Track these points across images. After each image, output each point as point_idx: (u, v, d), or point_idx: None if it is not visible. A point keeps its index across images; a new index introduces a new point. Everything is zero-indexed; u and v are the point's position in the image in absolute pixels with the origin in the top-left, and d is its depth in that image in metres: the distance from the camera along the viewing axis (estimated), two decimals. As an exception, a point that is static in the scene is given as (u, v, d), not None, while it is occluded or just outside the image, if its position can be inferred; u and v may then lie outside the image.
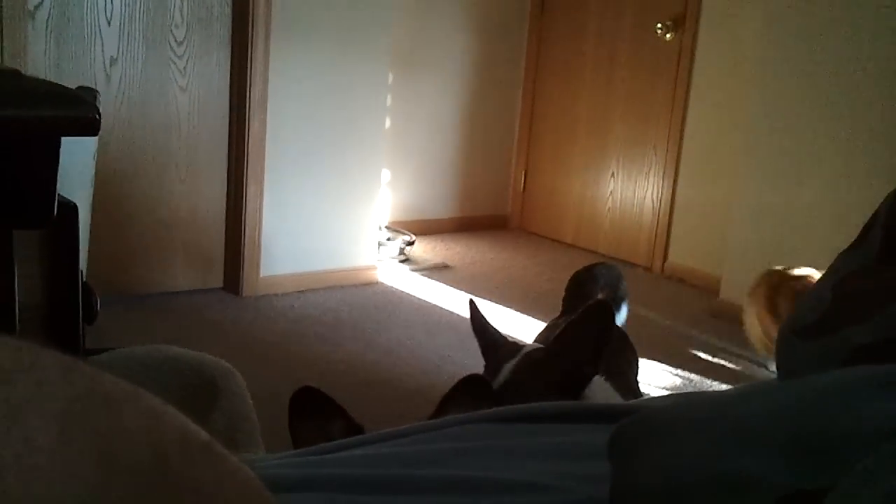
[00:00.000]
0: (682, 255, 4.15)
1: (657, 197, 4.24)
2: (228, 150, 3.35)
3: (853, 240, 0.61)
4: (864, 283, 0.54)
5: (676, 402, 0.63)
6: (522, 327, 3.32)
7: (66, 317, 0.87)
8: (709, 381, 2.97)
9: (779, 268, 2.92)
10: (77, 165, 1.39)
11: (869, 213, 0.61)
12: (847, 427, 0.34)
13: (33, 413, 0.25)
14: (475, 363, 2.91)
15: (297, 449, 0.88)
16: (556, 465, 0.55)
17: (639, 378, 1.90)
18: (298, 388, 0.96)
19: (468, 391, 0.98)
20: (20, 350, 0.27)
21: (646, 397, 2.05)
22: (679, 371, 3.03)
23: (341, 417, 0.95)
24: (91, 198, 1.56)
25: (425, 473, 0.55)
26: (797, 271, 2.84)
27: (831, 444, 0.34)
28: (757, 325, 2.88)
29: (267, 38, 3.24)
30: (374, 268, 3.76)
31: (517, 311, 3.54)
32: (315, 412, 0.95)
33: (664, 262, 4.21)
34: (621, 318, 1.97)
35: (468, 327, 3.47)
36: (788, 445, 0.35)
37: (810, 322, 0.55)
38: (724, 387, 2.92)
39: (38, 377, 0.26)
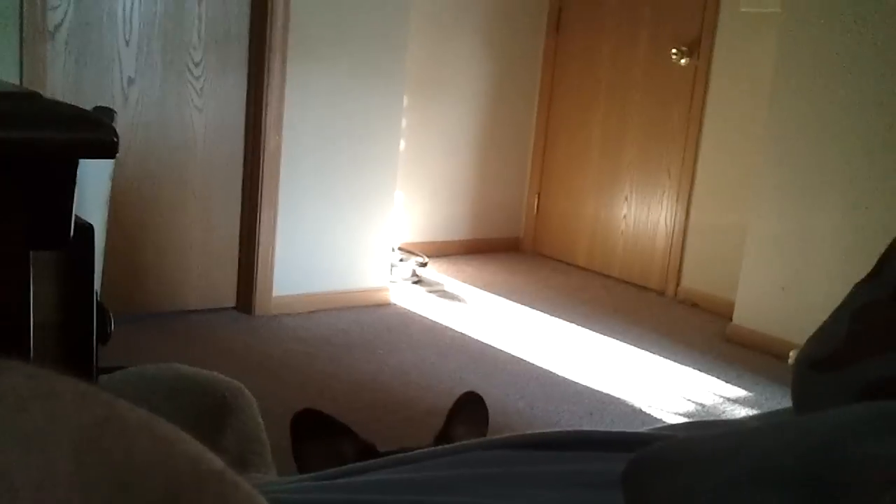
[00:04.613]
0: (695, 280, 4.14)
1: (671, 221, 4.23)
2: (243, 171, 3.37)
3: (869, 270, 0.61)
4: (880, 316, 0.54)
5: (692, 433, 0.63)
6: (532, 350, 3.31)
7: (80, 336, 0.88)
8: (722, 407, 2.95)
9: None
10: (94, 186, 1.41)
11: (883, 240, 0.61)
12: (855, 470, 0.34)
13: (50, 441, 0.25)
14: (487, 384, 2.91)
15: (302, 472, 0.88)
16: (571, 493, 0.54)
17: None
18: (298, 411, 0.94)
19: (467, 408, 1.00)
20: (37, 377, 0.27)
21: (661, 425, 2.03)
22: (692, 396, 3.01)
23: (349, 436, 0.93)
24: (107, 217, 1.57)
25: (437, 500, 0.55)
26: None
27: (840, 487, 0.34)
28: None
29: (283, 59, 3.26)
30: (386, 289, 3.76)
31: (528, 333, 3.53)
32: (320, 433, 0.94)
33: (677, 286, 4.20)
34: None
35: (480, 349, 3.48)
36: (799, 485, 0.35)
37: (825, 354, 0.55)
38: (738, 413, 2.90)
39: (54, 405, 0.27)
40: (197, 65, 3.20)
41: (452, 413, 1.00)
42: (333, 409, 0.96)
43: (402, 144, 3.85)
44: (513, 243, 4.96)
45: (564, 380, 3.05)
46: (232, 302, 3.46)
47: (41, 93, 0.85)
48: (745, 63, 3.89)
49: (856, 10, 3.20)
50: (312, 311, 3.50)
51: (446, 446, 0.66)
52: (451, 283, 4.21)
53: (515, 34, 4.71)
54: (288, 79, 3.30)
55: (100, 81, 3.04)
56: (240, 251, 3.43)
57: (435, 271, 4.33)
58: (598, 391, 2.98)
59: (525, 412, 2.75)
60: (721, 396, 3.04)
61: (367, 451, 0.90)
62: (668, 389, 3.06)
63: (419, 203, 4.57)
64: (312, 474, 0.65)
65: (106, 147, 0.76)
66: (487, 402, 1.03)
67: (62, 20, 2.92)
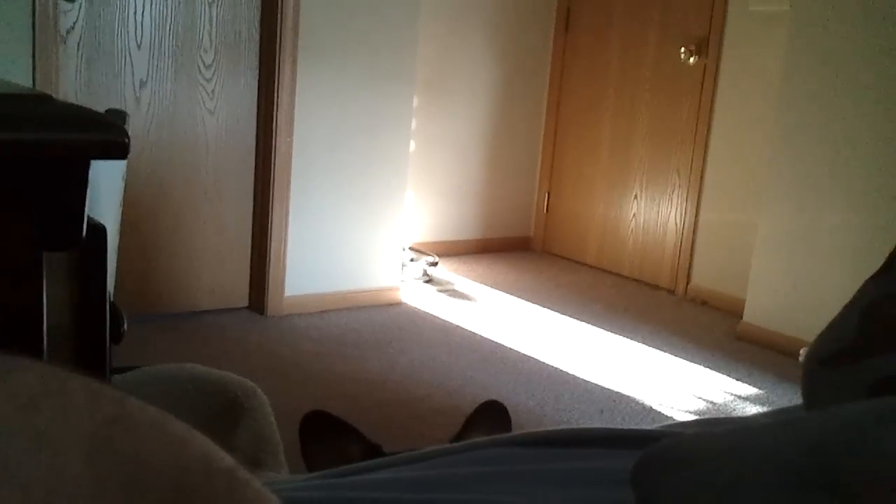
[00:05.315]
0: (705, 278, 4.13)
1: (680, 219, 4.22)
2: (255, 172, 3.38)
3: (880, 265, 0.61)
4: (891, 312, 0.53)
5: (702, 430, 0.63)
6: (543, 349, 3.31)
7: (93, 337, 0.88)
8: (733, 405, 2.94)
9: None
10: (106, 187, 1.41)
11: (894, 236, 0.61)
12: (869, 466, 0.34)
13: (60, 439, 0.25)
14: (497, 383, 2.91)
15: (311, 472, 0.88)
16: (581, 491, 0.54)
17: None
18: (307, 413, 0.95)
19: (488, 416, 0.99)
20: (47, 375, 0.28)
21: (671, 422, 2.03)
22: (703, 395, 3.01)
23: (357, 438, 0.94)
24: (119, 219, 1.58)
25: (448, 498, 0.55)
26: None
27: (853, 483, 0.34)
28: None
29: (294, 61, 3.27)
30: (397, 289, 3.76)
31: (538, 331, 3.53)
32: (328, 435, 0.94)
33: (687, 284, 4.19)
34: None
35: (491, 347, 3.49)
36: (811, 481, 0.35)
37: (835, 350, 0.55)
38: (749, 410, 2.89)
39: (65, 402, 0.27)
40: (208, 67, 3.21)
41: (472, 419, 1.00)
42: (344, 407, 0.96)
43: (412, 145, 3.85)
44: (523, 242, 4.95)
45: (575, 378, 3.05)
46: (244, 302, 3.47)
47: (53, 95, 0.85)
48: (754, 62, 3.88)
49: (865, 8, 3.18)
50: (324, 311, 3.51)
51: (454, 444, 0.66)
52: (462, 282, 4.21)
53: (524, 34, 4.70)
54: (298, 80, 3.30)
55: (112, 84, 3.05)
56: (252, 252, 3.44)
57: (445, 270, 4.33)
58: (608, 389, 2.97)
59: (535, 410, 2.75)
60: (731, 394, 3.03)
61: (374, 451, 0.91)
62: (679, 387, 3.06)
63: (429, 203, 4.57)
64: (321, 472, 0.65)
65: (118, 148, 0.77)
66: (498, 400, 1.02)
67: (74, 23, 2.94)
